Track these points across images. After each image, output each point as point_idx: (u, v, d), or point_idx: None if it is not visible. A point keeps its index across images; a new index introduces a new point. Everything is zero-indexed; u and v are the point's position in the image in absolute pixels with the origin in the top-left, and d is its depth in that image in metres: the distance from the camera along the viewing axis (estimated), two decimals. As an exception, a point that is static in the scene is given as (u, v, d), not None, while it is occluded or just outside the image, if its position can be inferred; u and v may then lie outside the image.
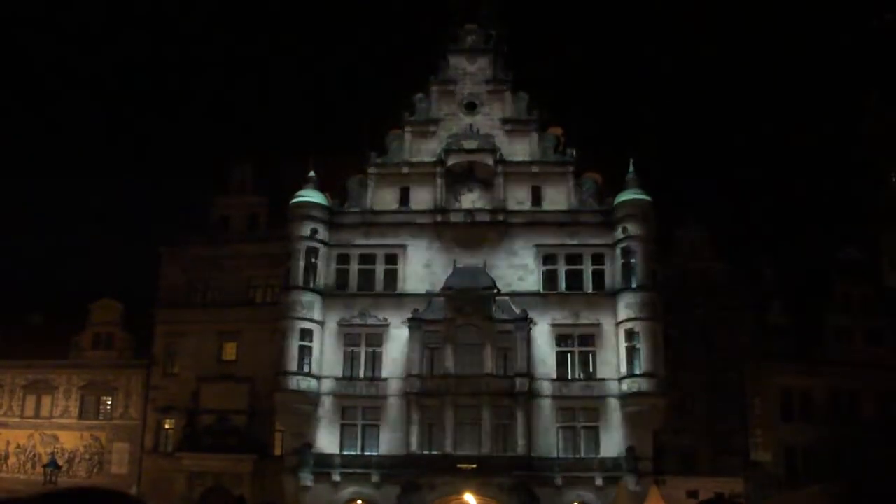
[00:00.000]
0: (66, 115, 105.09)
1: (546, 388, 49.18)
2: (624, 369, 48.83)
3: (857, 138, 74.39)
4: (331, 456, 48.86)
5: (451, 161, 52.94)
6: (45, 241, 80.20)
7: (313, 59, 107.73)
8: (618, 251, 50.56)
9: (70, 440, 57.82)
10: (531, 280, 51.14)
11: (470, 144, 53.19)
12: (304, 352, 49.91)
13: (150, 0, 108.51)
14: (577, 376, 49.72)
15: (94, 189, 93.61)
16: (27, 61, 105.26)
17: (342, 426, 49.87)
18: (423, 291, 50.83)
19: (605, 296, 50.30)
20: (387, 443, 49.15)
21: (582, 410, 49.13)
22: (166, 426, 56.78)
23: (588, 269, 51.11)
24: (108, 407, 58.33)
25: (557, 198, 52.57)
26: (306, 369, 49.67)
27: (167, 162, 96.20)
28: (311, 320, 50.36)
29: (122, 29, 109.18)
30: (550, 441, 48.59)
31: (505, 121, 54.18)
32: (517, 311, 49.32)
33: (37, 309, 62.04)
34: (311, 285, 50.94)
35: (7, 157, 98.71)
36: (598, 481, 47.24)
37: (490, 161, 52.66)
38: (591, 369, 49.81)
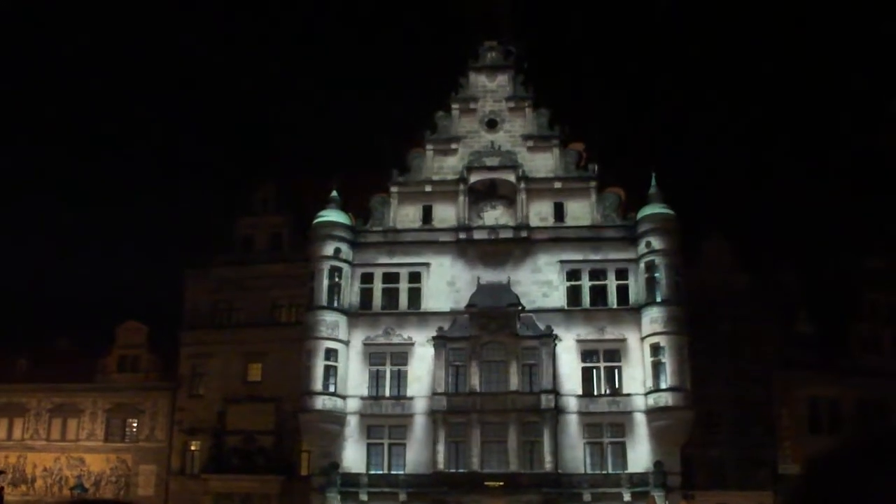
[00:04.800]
0: (90, 137, 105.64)
1: (572, 404, 49.03)
2: (650, 384, 48.65)
3: (881, 145, 73.96)
4: (357, 475, 48.83)
5: (473, 178, 52.96)
6: (70, 264, 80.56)
7: (335, 78, 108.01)
8: (642, 266, 50.42)
9: (96, 463, 57.97)
10: (555, 296, 51.02)
11: (492, 161, 53.22)
12: (330, 371, 49.92)
13: (174, 21, 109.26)
14: (602, 392, 49.58)
15: (118, 211, 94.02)
16: (51, 78, 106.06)
17: (368, 445, 49.83)
18: (447, 309, 50.77)
19: (630, 310, 50.17)
20: (413, 461, 49.06)
21: (609, 426, 48.93)
22: (192, 448, 56.84)
23: (612, 283, 50.98)
24: (135, 429, 58.50)
25: (580, 213, 52.48)
26: (332, 389, 49.69)
27: (191, 183, 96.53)
28: (335, 340, 50.36)
29: (145, 48, 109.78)
30: (577, 457, 48.37)
31: (526, 137, 54.13)
32: (542, 327, 49.19)
33: (63, 332, 62.33)
34: (336, 305, 50.97)
35: (33, 181, 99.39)
36: (627, 496, 46.95)
37: (512, 177, 52.65)
38: (616, 384, 49.64)
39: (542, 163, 53.62)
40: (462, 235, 52.07)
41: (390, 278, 52.20)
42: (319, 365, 49.76)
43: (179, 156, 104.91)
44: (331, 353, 50.16)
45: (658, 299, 49.34)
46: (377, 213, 53.56)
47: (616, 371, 49.84)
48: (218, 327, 57.72)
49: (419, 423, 49.50)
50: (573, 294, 51.08)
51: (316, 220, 52.27)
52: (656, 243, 50.09)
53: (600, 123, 62.99)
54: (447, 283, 51.66)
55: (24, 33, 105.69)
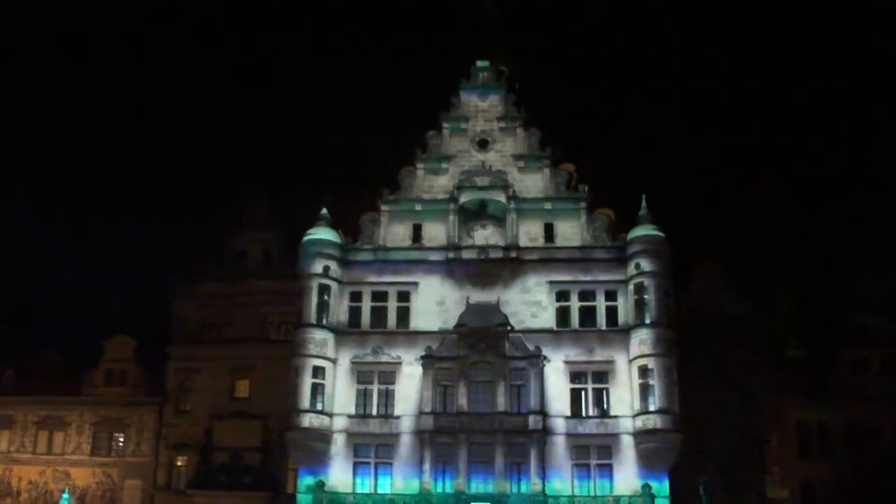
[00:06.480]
0: (80, 150, 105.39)
1: (560, 425, 48.80)
2: (638, 406, 48.43)
3: (872, 166, 74.21)
4: (344, 494, 48.61)
5: (463, 198, 52.89)
6: (58, 276, 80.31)
7: (327, 96, 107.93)
8: (631, 287, 50.27)
9: (82, 477, 57.78)
10: (544, 316, 50.88)
11: (482, 181, 53.14)
12: (317, 389, 49.66)
13: (166, 36, 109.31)
14: (590, 413, 49.37)
15: (107, 225, 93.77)
16: (40, 91, 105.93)
17: (355, 464, 49.55)
18: (435, 329, 50.63)
19: (619, 332, 49.99)
20: (400, 481, 48.89)
21: (596, 448, 48.67)
22: (179, 463, 56.77)
23: (601, 305, 50.80)
24: (121, 443, 58.36)
25: (570, 234, 52.40)
26: (319, 407, 49.44)
27: (182, 198, 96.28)
28: (323, 358, 50.16)
29: (138, 63, 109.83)
30: (565, 478, 48.25)
31: (517, 157, 54.09)
32: (530, 347, 49.10)
33: (50, 345, 62.23)
34: (324, 323, 50.79)
35: (21, 192, 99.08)
36: (614, 519, 46.96)
37: (502, 197, 52.60)
38: (605, 406, 49.44)
39: (533, 183, 53.56)
40: (451, 255, 51.93)
41: (379, 297, 52.02)
42: (307, 382, 49.52)
43: (172, 170, 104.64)
44: (318, 371, 49.94)
45: (647, 321, 49.19)
46: (367, 232, 53.46)
47: (604, 393, 49.59)
48: (206, 343, 57.69)
49: (406, 443, 49.27)
50: (562, 315, 50.93)
51: (305, 238, 52.14)
52: (645, 265, 50.02)
53: (591, 144, 63.09)
54: (436, 303, 51.52)
55: (22, 35, 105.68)
